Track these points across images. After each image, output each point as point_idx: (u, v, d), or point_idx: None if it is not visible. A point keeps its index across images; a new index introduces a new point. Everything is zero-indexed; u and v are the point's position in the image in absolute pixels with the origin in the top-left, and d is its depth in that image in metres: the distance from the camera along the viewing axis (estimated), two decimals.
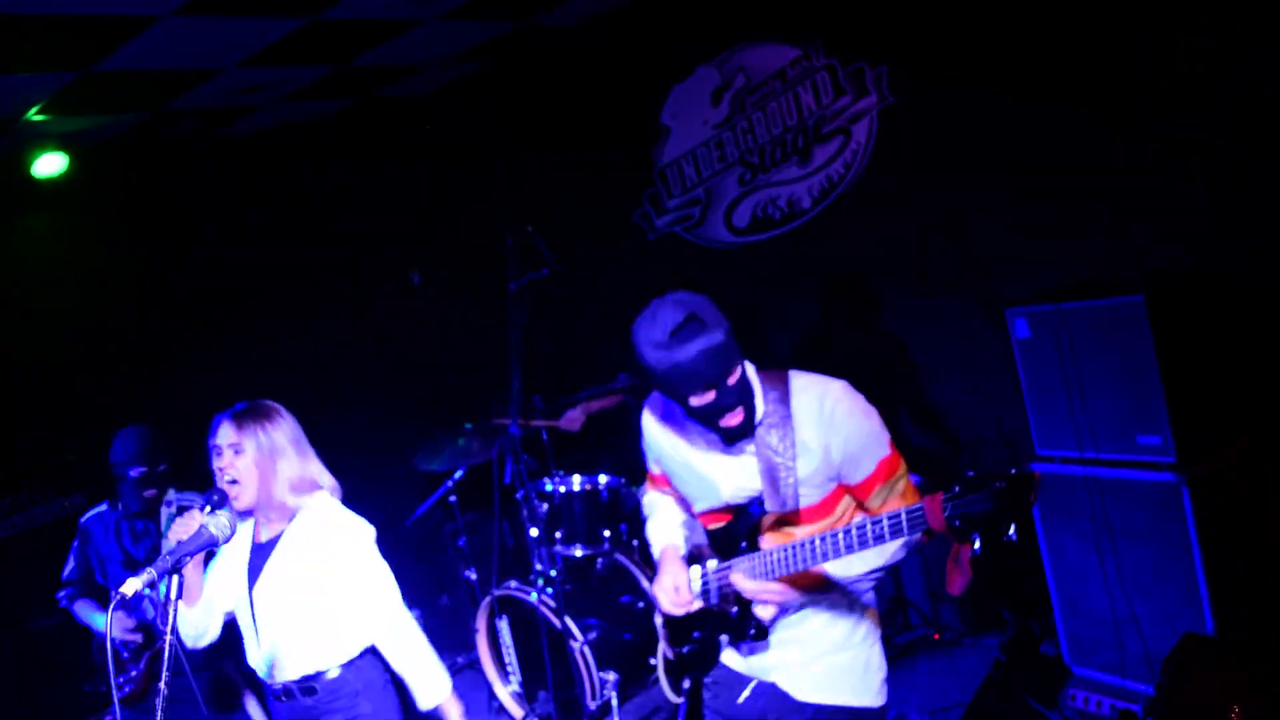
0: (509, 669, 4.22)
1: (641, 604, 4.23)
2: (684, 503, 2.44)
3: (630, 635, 4.12)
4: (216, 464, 2.61)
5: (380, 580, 2.66)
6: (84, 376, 5.19)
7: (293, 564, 2.61)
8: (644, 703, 4.19)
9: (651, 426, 2.38)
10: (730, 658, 2.32)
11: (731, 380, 2.03)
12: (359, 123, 6.11)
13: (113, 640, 3.26)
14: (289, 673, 2.60)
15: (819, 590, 2.17)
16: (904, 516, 1.83)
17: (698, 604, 2.31)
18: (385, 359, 6.11)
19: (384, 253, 6.48)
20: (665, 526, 2.46)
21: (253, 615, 2.63)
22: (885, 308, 4.63)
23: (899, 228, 4.44)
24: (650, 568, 4.56)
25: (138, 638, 3.31)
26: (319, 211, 6.22)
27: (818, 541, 1.99)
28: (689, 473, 2.31)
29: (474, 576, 4.69)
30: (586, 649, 3.88)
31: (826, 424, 2.07)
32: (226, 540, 2.58)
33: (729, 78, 4.88)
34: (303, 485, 2.63)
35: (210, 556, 2.71)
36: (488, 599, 4.19)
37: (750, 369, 2.15)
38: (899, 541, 1.94)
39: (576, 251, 4.49)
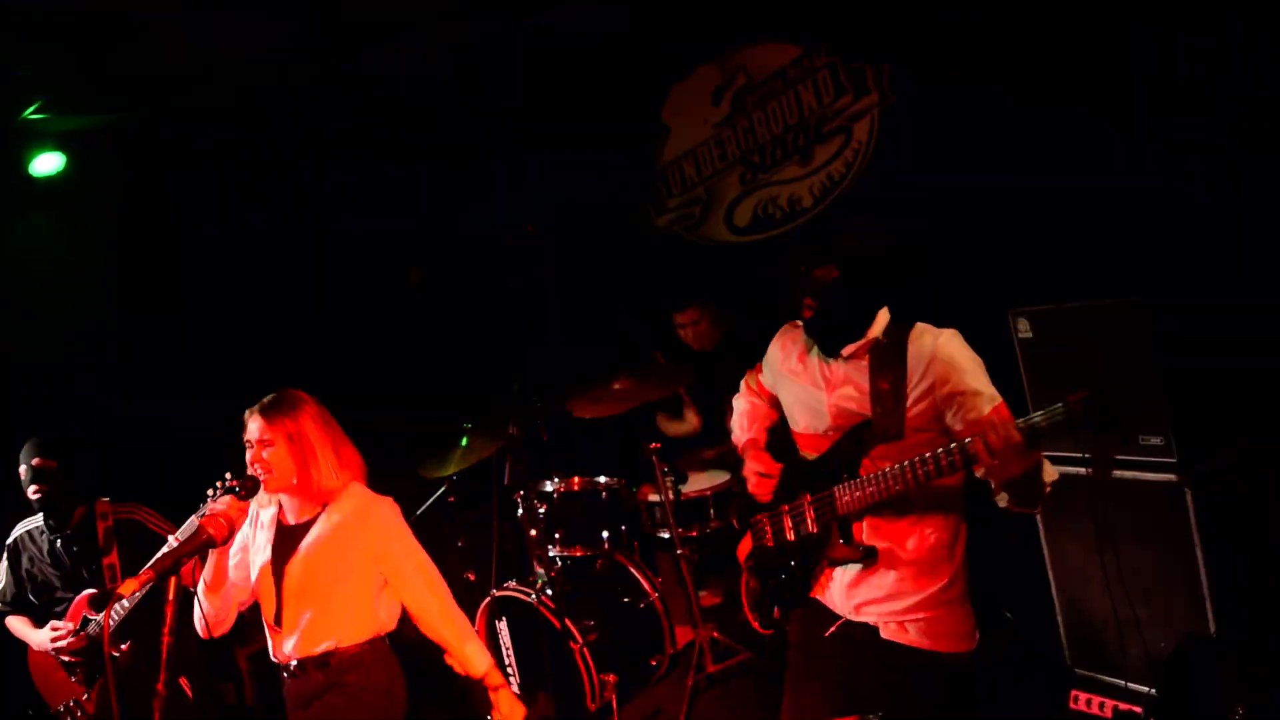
0: (508, 670, 4.21)
1: (641, 605, 4.22)
2: (770, 413, 2.64)
3: (630, 637, 4.11)
4: (249, 457, 2.69)
5: (421, 554, 2.78)
6: (81, 376, 5.17)
7: (328, 545, 2.69)
8: (644, 705, 4.18)
9: (778, 343, 2.56)
10: (821, 593, 2.41)
11: (825, 275, 2.23)
12: (359, 122, 6.10)
13: (60, 658, 3.23)
14: (308, 649, 2.67)
15: (917, 516, 2.27)
16: (1061, 407, 1.96)
17: (773, 503, 2.46)
18: (385, 358, 6.09)
19: (384, 253, 6.47)
20: (749, 422, 2.67)
21: (279, 594, 2.70)
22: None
23: (899, 226, 4.43)
24: (650, 568, 4.56)
25: (79, 659, 3.26)
26: (319, 211, 6.21)
27: (917, 461, 2.11)
28: (799, 392, 2.43)
29: (473, 577, 4.68)
30: (586, 651, 3.87)
31: (934, 360, 2.22)
32: (225, 541, 2.58)
33: (730, 76, 4.88)
34: (333, 472, 2.71)
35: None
36: (487, 600, 4.18)
37: (883, 313, 2.33)
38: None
39: (578, 251, 4.49)
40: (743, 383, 2.78)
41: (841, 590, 2.35)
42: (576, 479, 4.28)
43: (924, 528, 2.27)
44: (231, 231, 5.85)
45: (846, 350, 2.31)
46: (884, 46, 4.30)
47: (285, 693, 2.76)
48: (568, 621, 3.80)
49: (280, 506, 2.81)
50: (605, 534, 4.24)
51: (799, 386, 2.44)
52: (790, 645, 2.46)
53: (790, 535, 2.41)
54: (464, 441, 4.56)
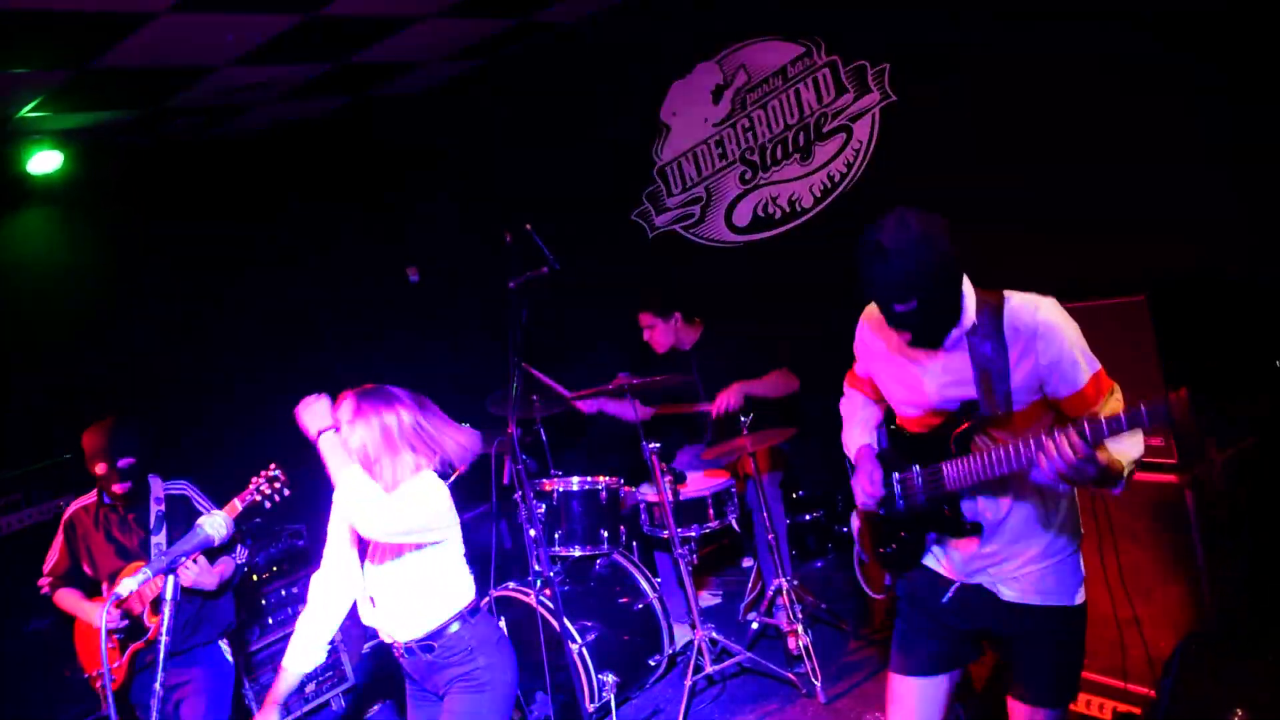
0: None
1: (639, 605, 4.22)
2: (876, 407, 2.61)
3: (629, 637, 4.11)
4: None
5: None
6: (81, 374, 5.17)
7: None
8: (642, 705, 4.17)
9: (867, 325, 2.51)
10: (932, 561, 2.45)
11: (915, 303, 2.15)
12: (358, 121, 6.10)
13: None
14: (406, 635, 2.71)
15: (1026, 492, 2.29)
16: (1125, 417, 1.93)
17: (883, 494, 2.46)
18: (385, 358, 6.09)
19: (383, 252, 6.47)
20: (862, 426, 2.62)
21: (366, 587, 2.75)
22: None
23: None
24: (649, 568, 4.56)
25: (123, 625, 3.32)
26: (318, 210, 6.20)
27: (1019, 448, 2.11)
28: (899, 372, 2.41)
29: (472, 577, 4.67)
30: (585, 650, 3.86)
31: (1034, 331, 2.19)
32: (224, 540, 2.58)
33: (730, 75, 4.87)
34: (404, 473, 2.67)
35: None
36: (486, 600, 4.17)
37: (968, 286, 2.27)
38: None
39: (576, 251, 4.47)
40: (844, 383, 2.73)
41: (952, 556, 2.41)
42: (575, 479, 4.27)
43: (1031, 499, 2.31)
44: (230, 230, 5.85)
45: (949, 340, 2.28)
46: (884, 45, 4.29)
47: (405, 667, 2.81)
48: (567, 621, 3.79)
49: None
50: (604, 534, 4.24)
51: (897, 368, 2.42)
52: (902, 608, 2.53)
53: (900, 505, 2.45)
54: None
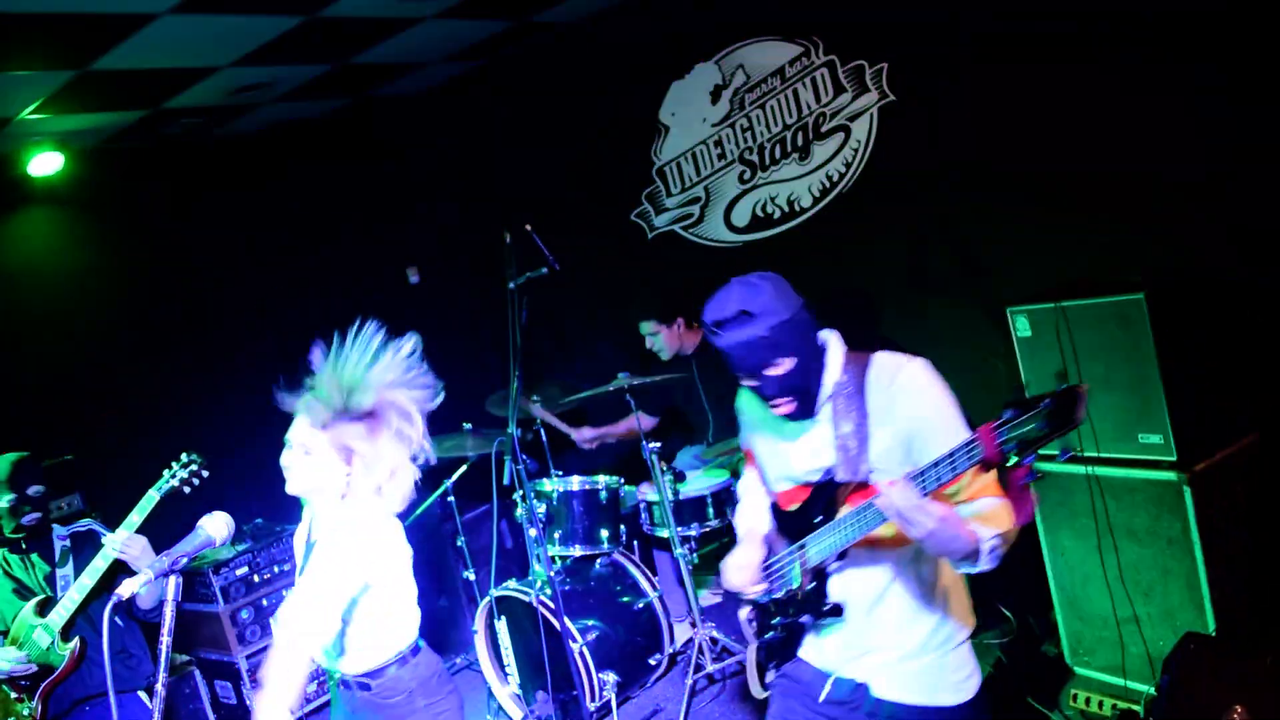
0: (507, 670, 4.21)
1: (640, 605, 4.22)
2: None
3: (629, 636, 4.11)
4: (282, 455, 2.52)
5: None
6: (79, 375, 5.17)
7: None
8: (643, 704, 4.18)
9: (743, 398, 2.41)
10: (808, 651, 2.28)
11: (775, 370, 2.07)
12: (358, 122, 6.10)
13: (3, 674, 3.17)
14: (346, 667, 2.57)
15: (904, 572, 2.13)
16: (962, 450, 1.78)
17: (761, 586, 2.29)
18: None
19: (383, 252, 6.47)
20: (751, 510, 2.47)
21: None
22: (886, 306, 4.62)
23: (900, 226, 4.43)
24: (649, 568, 4.56)
25: (30, 669, 3.15)
26: (317, 211, 6.21)
27: (878, 499, 1.93)
28: (766, 445, 2.32)
29: (472, 577, 4.68)
30: (585, 650, 3.86)
31: (895, 396, 2.07)
32: (225, 541, 2.56)
33: (728, 75, 4.87)
34: (361, 491, 2.50)
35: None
36: (486, 600, 4.18)
37: (834, 345, 2.17)
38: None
39: (576, 251, 4.48)
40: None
41: (827, 645, 2.22)
42: (575, 478, 4.27)
43: (908, 580, 2.14)
44: (229, 231, 5.85)
45: (819, 408, 2.16)
46: (883, 45, 4.29)
47: (338, 701, 2.67)
48: (567, 621, 3.79)
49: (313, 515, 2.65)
50: (604, 533, 4.24)
51: (767, 439, 2.31)
52: (781, 699, 2.33)
53: (777, 592, 2.27)
54: (466, 442, 4.56)
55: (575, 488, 4.23)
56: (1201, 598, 3.11)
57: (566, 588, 4.17)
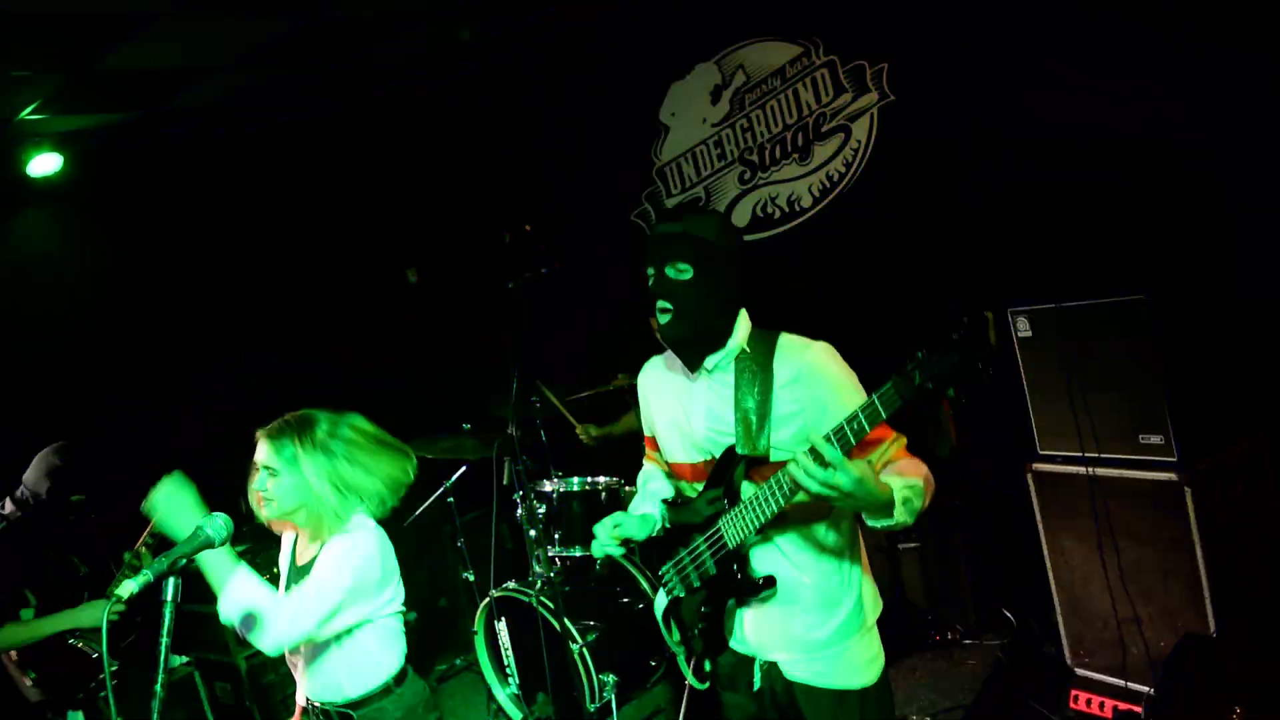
0: (508, 671, 4.21)
1: (641, 605, 4.22)
2: (667, 481, 2.46)
3: (630, 637, 4.11)
4: (251, 482, 2.48)
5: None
6: (79, 376, 5.17)
7: None
8: (643, 704, 4.17)
9: (643, 378, 2.42)
10: (735, 640, 2.28)
11: (676, 271, 2.09)
12: (358, 122, 6.10)
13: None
14: (329, 696, 2.50)
15: (810, 540, 2.14)
16: (876, 400, 1.79)
17: (617, 549, 2.34)
18: (384, 358, 6.09)
19: (383, 252, 6.46)
20: (647, 496, 2.48)
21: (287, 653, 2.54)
22: (885, 306, 4.62)
23: (899, 226, 4.43)
24: (650, 570, 4.56)
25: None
26: (318, 211, 6.20)
27: (791, 465, 1.86)
28: (666, 415, 2.31)
29: (472, 578, 4.67)
30: (585, 651, 3.86)
31: (800, 375, 2.07)
32: (224, 541, 2.55)
33: (728, 76, 4.87)
34: (339, 511, 2.45)
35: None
36: (486, 600, 4.18)
37: (743, 316, 2.19)
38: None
39: (576, 251, 4.48)
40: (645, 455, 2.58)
41: (751, 629, 2.22)
42: (575, 479, 4.27)
43: (820, 552, 2.14)
44: (230, 231, 5.85)
45: (709, 362, 2.15)
46: (883, 44, 4.29)
47: None
48: (567, 621, 3.79)
49: (295, 539, 2.60)
50: None
51: (667, 411, 2.28)
52: (722, 702, 2.35)
53: (696, 581, 2.25)
54: (466, 444, 4.56)
55: (575, 488, 4.23)
56: (1202, 598, 3.11)
57: (567, 588, 4.17)
